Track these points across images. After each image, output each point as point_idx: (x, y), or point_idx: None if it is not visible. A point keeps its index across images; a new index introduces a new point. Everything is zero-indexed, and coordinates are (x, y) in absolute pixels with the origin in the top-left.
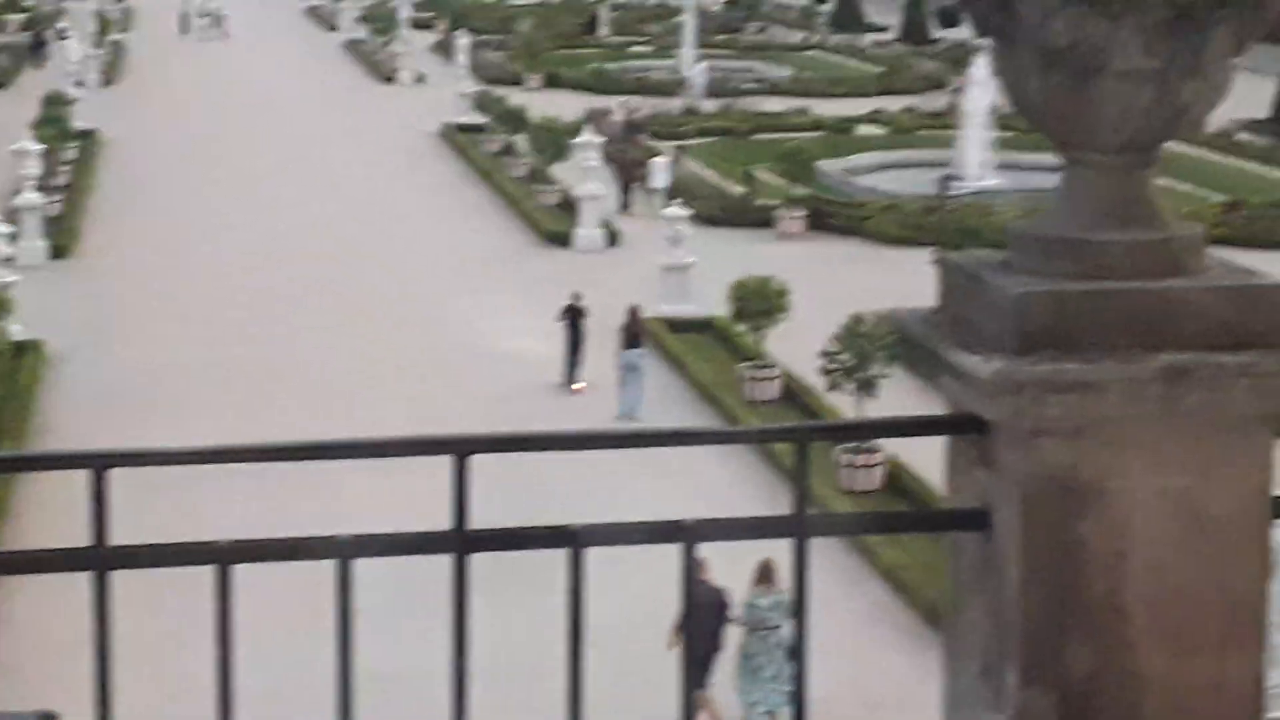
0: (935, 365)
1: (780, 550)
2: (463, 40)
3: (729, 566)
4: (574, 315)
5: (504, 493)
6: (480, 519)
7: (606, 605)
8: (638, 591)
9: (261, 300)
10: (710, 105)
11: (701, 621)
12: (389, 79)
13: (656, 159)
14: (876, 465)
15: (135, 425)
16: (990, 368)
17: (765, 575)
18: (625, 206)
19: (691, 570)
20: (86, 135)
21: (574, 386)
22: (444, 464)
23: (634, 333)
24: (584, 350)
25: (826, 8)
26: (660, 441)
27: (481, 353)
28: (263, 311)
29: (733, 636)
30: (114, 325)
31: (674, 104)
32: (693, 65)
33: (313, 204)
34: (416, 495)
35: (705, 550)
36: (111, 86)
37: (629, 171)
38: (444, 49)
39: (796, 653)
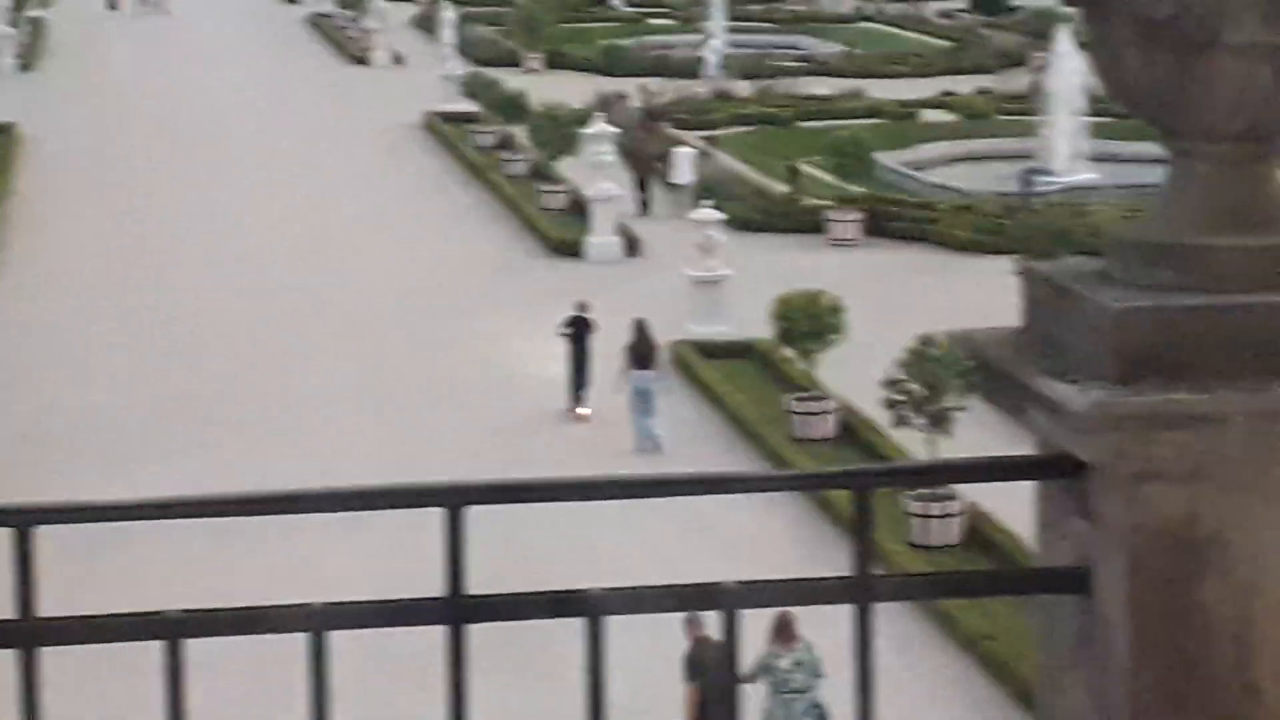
0: (1020, 396)
1: (837, 616)
2: (448, 13)
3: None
4: (579, 328)
5: (505, 549)
6: (478, 581)
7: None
8: (639, 658)
9: (215, 324)
10: (745, 88)
11: (714, 688)
12: (361, 60)
13: (680, 151)
14: (953, 516)
15: (66, 475)
16: (1086, 399)
17: (784, 631)
18: (644, 208)
19: (733, 644)
20: (1, 130)
21: (579, 412)
22: (434, 518)
23: (643, 352)
24: (590, 369)
25: None
26: (691, 489)
27: (477, 381)
28: (217, 338)
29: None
30: (37, 357)
31: (702, 87)
32: (709, 40)
33: (273, 210)
34: (402, 554)
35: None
36: (30, 72)
37: (647, 167)
38: (426, 24)
39: None
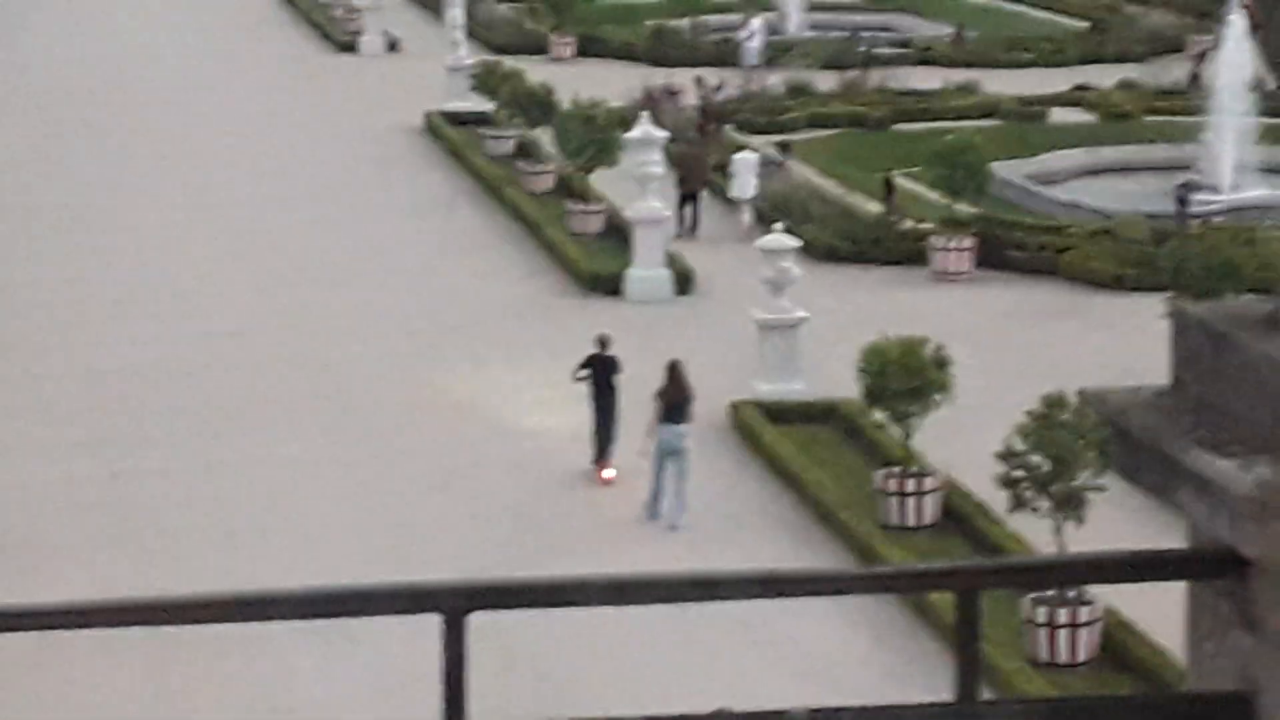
0: (1167, 474)
1: None
2: None
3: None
4: (601, 369)
5: (515, 663)
6: (483, 705)
7: None
8: None
9: (165, 385)
10: (828, 81)
11: None
12: (348, 46)
13: (739, 155)
14: (1085, 625)
15: None
16: (1251, 479)
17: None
18: (690, 229)
19: None
20: None
21: (604, 475)
22: (431, 626)
23: (675, 400)
24: (616, 420)
25: None
26: (753, 590)
27: (488, 449)
28: (167, 402)
29: None
30: None
31: (774, 79)
32: (749, 20)
33: (236, 237)
34: (391, 671)
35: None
36: None
37: (700, 178)
38: (428, 1)
39: None
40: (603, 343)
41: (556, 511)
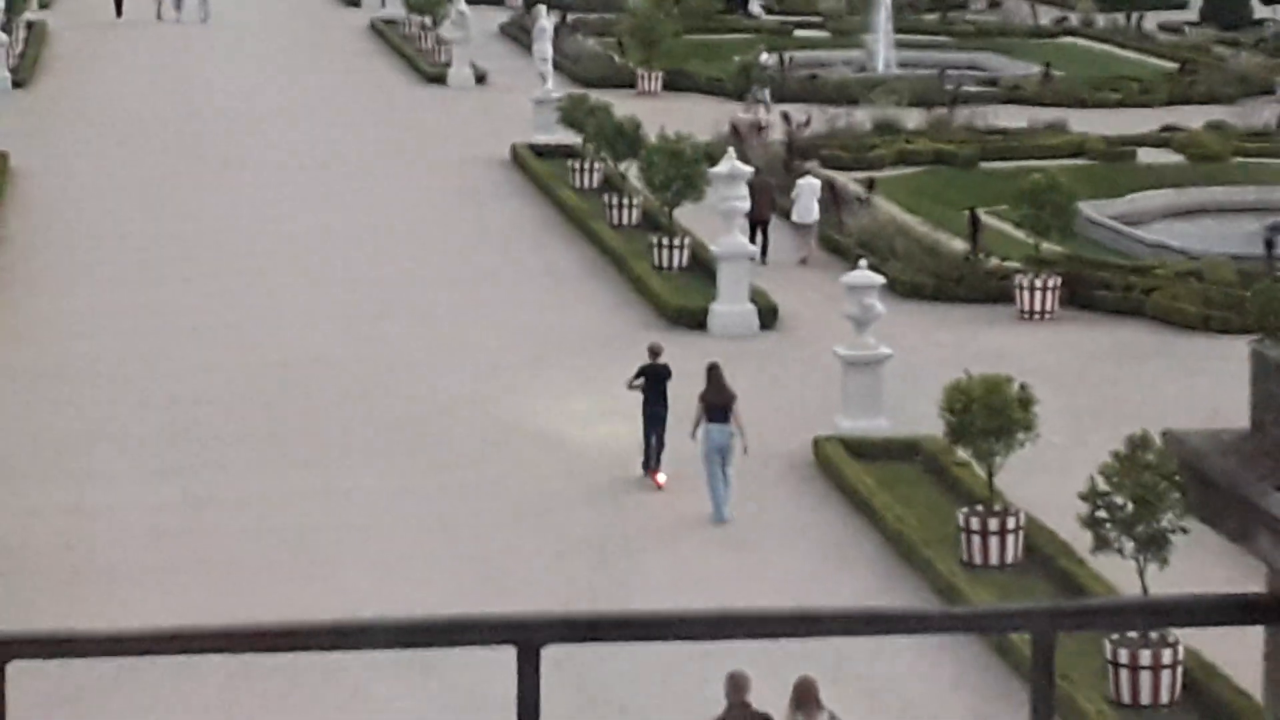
0: (1247, 518)
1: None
2: (545, 22)
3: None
4: (655, 377)
5: (588, 695)
6: None
7: None
8: None
9: (243, 413)
10: (915, 118)
11: None
12: (435, 78)
13: (802, 181)
14: (1167, 666)
15: (52, 598)
16: None
17: (805, 696)
18: (760, 255)
19: None
20: None
21: (658, 480)
22: (506, 658)
23: (719, 403)
24: (667, 426)
25: None
26: (835, 627)
27: (569, 484)
28: (245, 430)
29: None
30: (22, 450)
31: (861, 116)
32: (760, 52)
33: (318, 266)
34: (464, 701)
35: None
36: (26, 89)
37: (767, 205)
38: (518, 34)
39: None
40: (654, 352)
41: (628, 530)
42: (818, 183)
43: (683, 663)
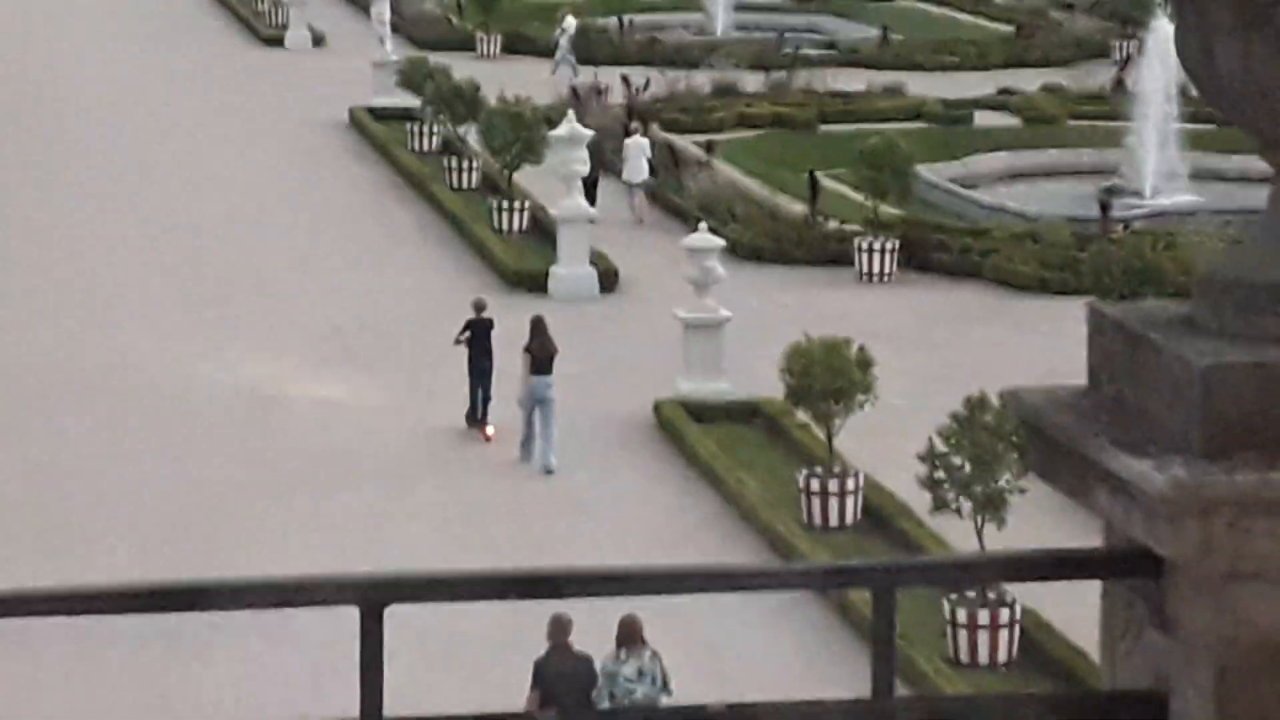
0: (1083, 473)
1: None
2: None
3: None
4: (479, 330)
5: (429, 651)
6: (399, 698)
7: None
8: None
9: (74, 376)
10: (754, 81)
11: (563, 698)
12: (273, 41)
13: (631, 140)
14: (1005, 626)
15: None
16: (1165, 478)
17: (629, 635)
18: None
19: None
20: None
21: (487, 431)
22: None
23: (542, 354)
24: (492, 379)
25: None
26: (674, 585)
27: (416, 447)
28: (79, 396)
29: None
30: None
31: (700, 79)
32: (563, 19)
33: (160, 233)
34: (309, 663)
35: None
36: None
37: (598, 163)
38: None
39: None
40: (479, 307)
41: (467, 491)
42: (646, 142)
43: (504, 605)
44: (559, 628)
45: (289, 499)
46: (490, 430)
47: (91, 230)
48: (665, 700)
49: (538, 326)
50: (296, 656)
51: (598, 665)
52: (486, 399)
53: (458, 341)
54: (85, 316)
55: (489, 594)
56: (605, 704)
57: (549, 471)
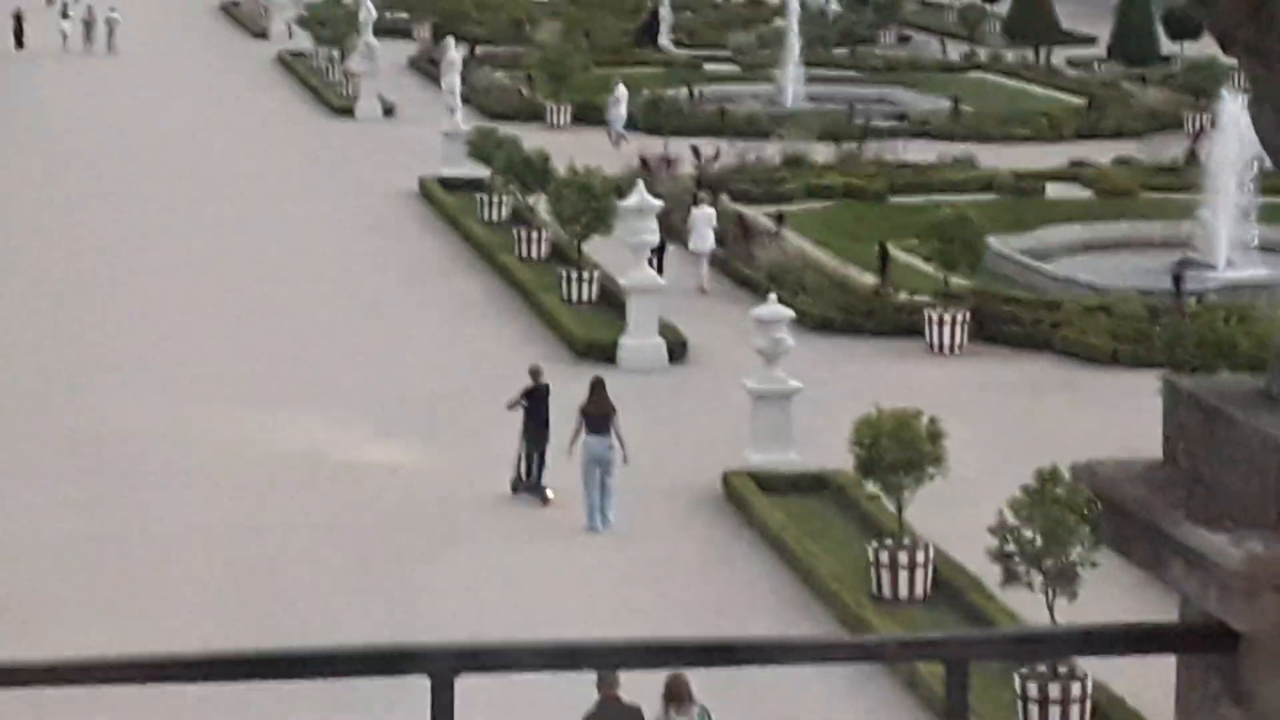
0: (1158, 547)
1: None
2: (453, 54)
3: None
4: (536, 397)
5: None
6: None
7: None
8: None
9: (148, 450)
10: (824, 152)
11: None
12: (344, 111)
13: (697, 210)
14: (1077, 700)
15: None
16: (1242, 552)
17: (676, 693)
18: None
19: None
20: None
21: (548, 495)
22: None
23: (599, 414)
24: (548, 444)
25: (999, 8)
26: (739, 657)
27: (480, 517)
28: (150, 463)
29: None
30: None
31: (770, 150)
32: (616, 92)
33: (232, 302)
34: None
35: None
36: None
37: (664, 231)
38: (426, 67)
39: None
40: (535, 373)
41: (533, 561)
42: (712, 212)
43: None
44: (606, 680)
45: (358, 564)
46: (550, 494)
47: (163, 296)
48: None
49: (596, 387)
50: None
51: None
52: (542, 464)
53: (511, 406)
54: (153, 381)
55: (560, 665)
56: None
57: (605, 525)
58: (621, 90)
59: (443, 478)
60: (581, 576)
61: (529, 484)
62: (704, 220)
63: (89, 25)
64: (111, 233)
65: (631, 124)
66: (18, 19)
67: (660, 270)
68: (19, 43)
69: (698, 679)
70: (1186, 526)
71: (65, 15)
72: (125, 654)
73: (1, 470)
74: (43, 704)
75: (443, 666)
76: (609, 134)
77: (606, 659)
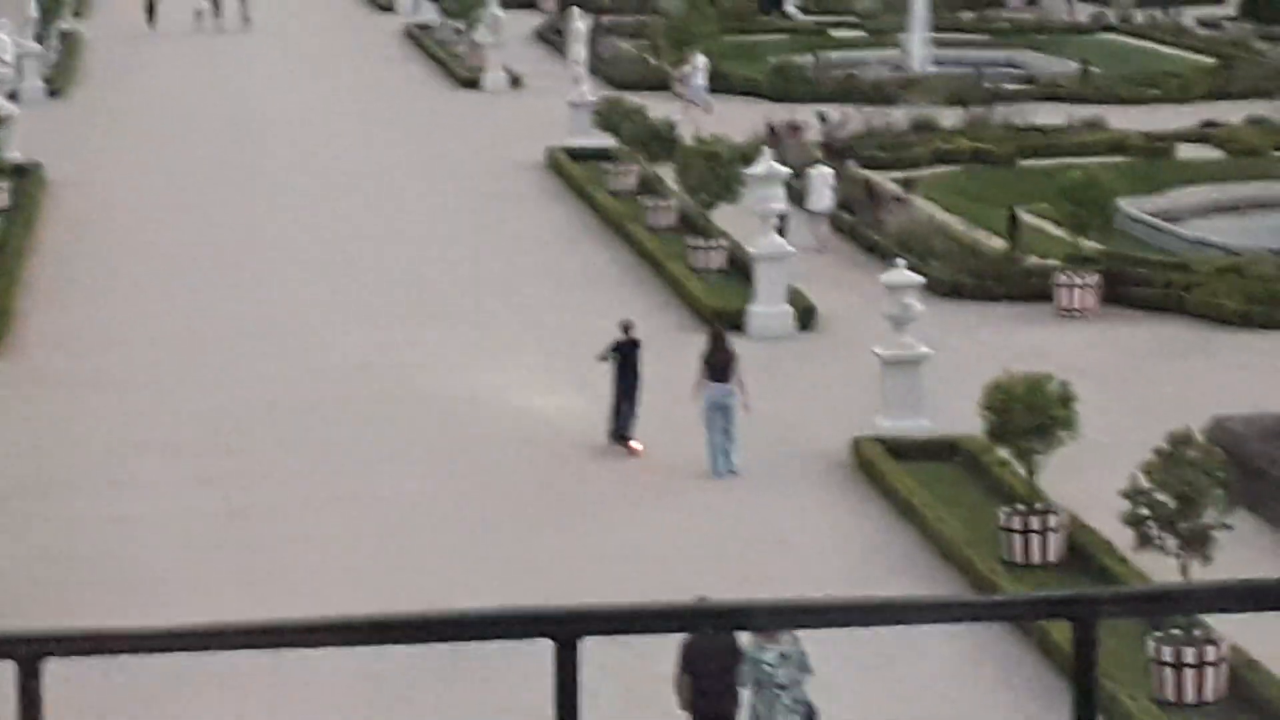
0: None
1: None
2: (579, 24)
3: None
4: (627, 350)
5: (628, 681)
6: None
7: None
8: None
9: (279, 425)
10: (952, 117)
11: (710, 676)
12: (470, 83)
13: (815, 170)
14: (1212, 664)
15: (90, 604)
16: None
17: None
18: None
19: None
20: (22, 173)
21: (633, 445)
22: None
23: (719, 363)
24: (639, 398)
25: None
26: (871, 617)
27: (602, 475)
28: (281, 442)
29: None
30: (60, 459)
31: (898, 115)
32: (695, 62)
33: (361, 273)
34: (502, 697)
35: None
36: (62, 99)
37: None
38: (552, 38)
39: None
40: (626, 327)
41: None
42: (830, 171)
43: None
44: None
45: (478, 519)
46: (636, 445)
47: (293, 270)
48: (808, 680)
49: (717, 337)
50: (489, 692)
51: (743, 646)
52: (632, 415)
53: (602, 358)
54: (283, 353)
55: (685, 626)
56: (749, 687)
57: (732, 473)
58: (700, 59)
59: (572, 437)
60: (713, 542)
61: (616, 434)
62: (821, 180)
63: (219, 1)
64: (243, 206)
65: (759, 92)
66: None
67: (783, 234)
68: (150, 18)
69: (826, 641)
70: None
71: None
72: (258, 620)
73: (139, 445)
74: (181, 673)
75: (566, 629)
76: (688, 103)
77: (729, 619)
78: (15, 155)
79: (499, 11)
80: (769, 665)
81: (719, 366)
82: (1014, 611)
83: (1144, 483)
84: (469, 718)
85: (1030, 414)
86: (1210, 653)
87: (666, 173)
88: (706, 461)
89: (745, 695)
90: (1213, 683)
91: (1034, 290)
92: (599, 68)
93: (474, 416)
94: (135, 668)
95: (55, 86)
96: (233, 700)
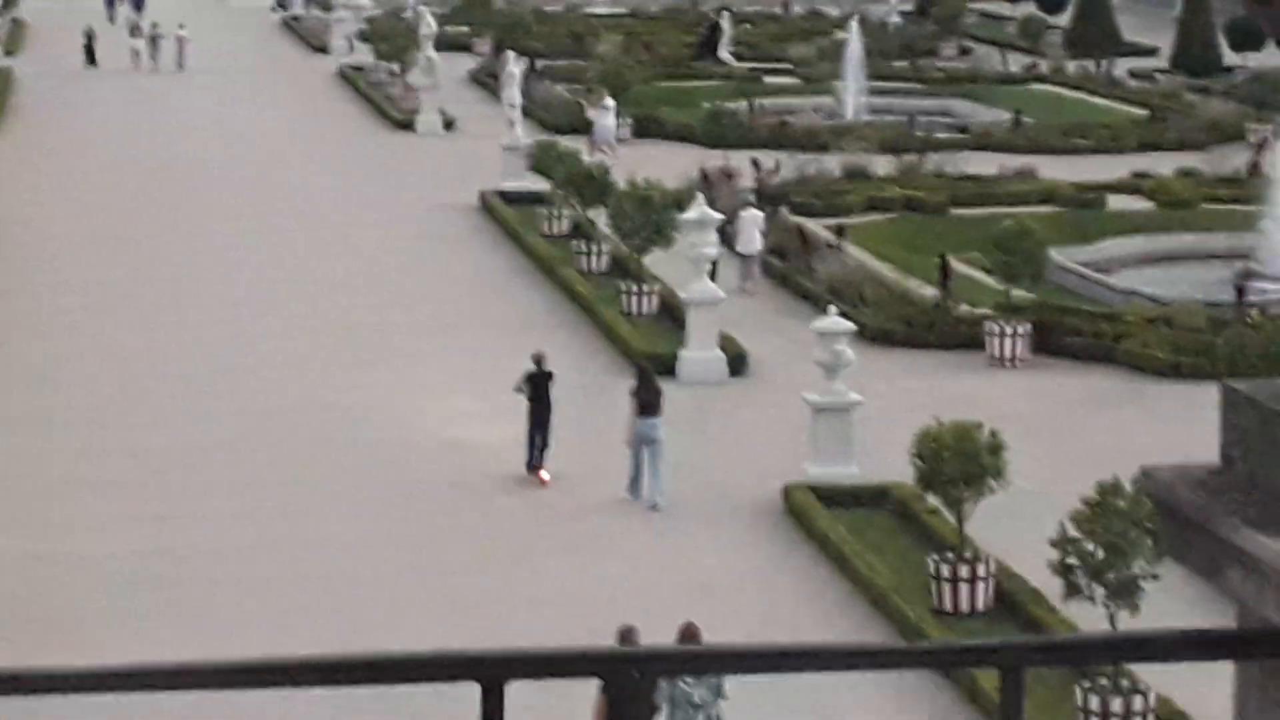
0: (1216, 553)
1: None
2: (514, 68)
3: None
4: (539, 381)
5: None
6: None
7: None
8: None
9: (216, 461)
10: (885, 164)
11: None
12: (405, 125)
13: (745, 213)
14: (1139, 714)
15: (16, 644)
16: None
17: (687, 641)
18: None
19: None
20: None
21: (542, 476)
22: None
23: (647, 399)
24: (551, 429)
25: (1061, 19)
26: (799, 664)
27: (549, 527)
28: (217, 478)
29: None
30: None
31: (831, 162)
32: (604, 104)
33: (296, 312)
34: None
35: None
36: None
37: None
38: (486, 80)
39: None
40: (538, 360)
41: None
42: (760, 214)
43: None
44: (627, 640)
45: (411, 558)
46: (545, 475)
47: (225, 309)
48: (722, 704)
49: (644, 373)
50: None
51: None
52: (545, 445)
53: (517, 389)
54: (216, 392)
55: (609, 671)
56: (665, 704)
57: (656, 508)
58: (609, 100)
59: (495, 481)
60: (641, 590)
61: (530, 465)
62: (751, 222)
63: (155, 42)
64: (177, 247)
65: (692, 138)
66: (89, 37)
67: (714, 278)
68: (90, 60)
69: (754, 688)
70: (1243, 531)
71: (134, 34)
72: (171, 661)
73: (71, 483)
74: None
75: (492, 673)
76: (590, 145)
77: (658, 664)
78: None
79: (433, 54)
80: (685, 684)
81: (647, 402)
82: (942, 659)
83: (1073, 532)
84: None
85: (960, 462)
86: (1137, 702)
87: (599, 217)
88: (625, 486)
89: (661, 715)
90: None
91: (965, 339)
92: (533, 111)
93: (405, 457)
94: (60, 707)
95: None
96: None
